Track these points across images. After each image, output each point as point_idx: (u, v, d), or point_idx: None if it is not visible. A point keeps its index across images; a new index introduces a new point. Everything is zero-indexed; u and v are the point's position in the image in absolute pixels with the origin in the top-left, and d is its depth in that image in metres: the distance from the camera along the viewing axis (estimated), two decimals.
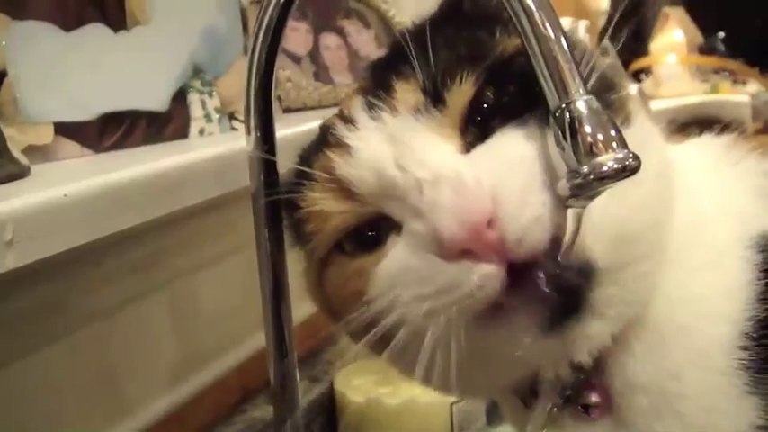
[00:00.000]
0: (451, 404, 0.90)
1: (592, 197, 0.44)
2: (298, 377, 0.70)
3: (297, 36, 1.05)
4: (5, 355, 0.65)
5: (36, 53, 0.71)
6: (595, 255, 0.48)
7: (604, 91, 0.52)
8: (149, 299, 0.79)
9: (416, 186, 0.48)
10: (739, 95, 2.74)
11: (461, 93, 0.50)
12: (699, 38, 3.32)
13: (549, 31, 0.45)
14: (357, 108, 0.53)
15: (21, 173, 0.66)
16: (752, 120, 2.50)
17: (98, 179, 0.66)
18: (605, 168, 0.42)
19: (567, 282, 0.47)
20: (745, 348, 0.51)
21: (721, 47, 3.24)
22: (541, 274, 0.46)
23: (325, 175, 0.53)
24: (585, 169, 0.43)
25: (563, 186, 0.44)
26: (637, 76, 3.18)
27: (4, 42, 0.69)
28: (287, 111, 1.00)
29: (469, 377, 0.53)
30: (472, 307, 0.47)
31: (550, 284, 0.47)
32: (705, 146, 0.62)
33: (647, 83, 3.12)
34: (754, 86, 3.02)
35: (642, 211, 0.52)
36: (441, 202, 0.46)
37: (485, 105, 0.50)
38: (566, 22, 2.56)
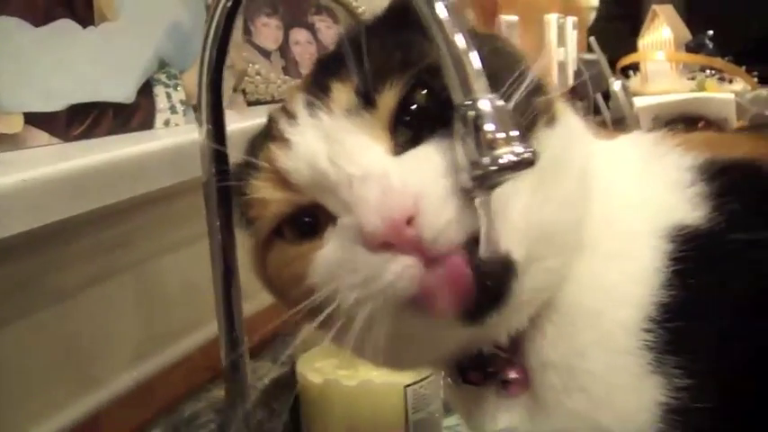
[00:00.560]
0: (405, 386, 0.94)
1: (493, 187, 0.48)
2: (248, 360, 0.74)
3: (267, 31, 1.09)
4: None
5: (7, 48, 0.75)
6: (516, 250, 0.52)
7: (532, 94, 0.55)
8: (116, 279, 0.82)
9: (346, 181, 0.52)
10: (724, 93, 2.77)
11: (390, 95, 0.54)
12: (687, 35, 3.35)
13: (456, 36, 0.48)
14: (298, 104, 0.57)
15: None
16: (737, 117, 2.53)
17: (63, 165, 0.70)
18: (503, 160, 0.46)
19: (487, 275, 0.51)
20: (649, 331, 0.54)
21: (709, 45, 3.28)
22: (461, 268, 0.50)
23: (267, 165, 0.57)
24: (485, 161, 0.46)
25: (465, 177, 0.48)
26: (625, 73, 3.22)
27: None
28: (253, 103, 1.04)
29: (398, 356, 0.59)
30: (395, 296, 0.51)
31: (471, 277, 0.50)
32: (634, 141, 0.65)
33: (635, 79, 3.16)
34: (740, 85, 3.05)
35: (564, 210, 0.57)
36: (367, 197, 0.50)
37: (414, 108, 0.54)
38: (553, 18, 2.59)
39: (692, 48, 3.21)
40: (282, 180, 0.56)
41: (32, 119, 0.77)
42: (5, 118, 0.75)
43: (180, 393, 0.91)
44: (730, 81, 3.12)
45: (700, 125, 2.50)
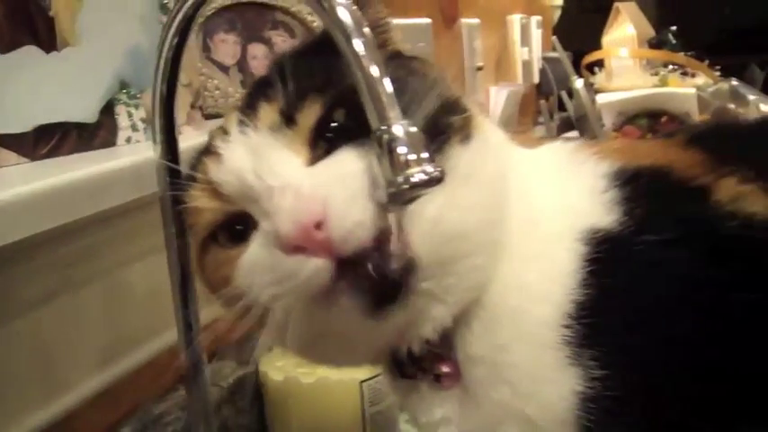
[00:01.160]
0: (360, 382, 1.00)
1: (407, 202, 0.54)
2: (206, 360, 0.80)
3: (225, 47, 1.15)
4: None
5: None
6: (420, 251, 0.58)
7: (448, 113, 0.62)
8: (82, 289, 0.86)
9: (268, 192, 0.57)
10: (686, 88, 2.82)
11: (310, 114, 0.60)
12: (650, 32, 3.42)
13: (371, 68, 0.54)
14: (232, 122, 0.63)
15: None
16: (699, 111, 2.59)
17: (31, 185, 0.75)
18: (414, 179, 0.52)
19: (389, 274, 0.57)
20: (567, 326, 0.59)
21: (673, 41, 3.34)
22: (366, 268, 0.56)
23: (203, 177, 0.63)
24: (399, 180, 0.52)
25: (381, 194, 0.54)
26: (590, 69, 3.28)
27: None
28: (212, 117, 1.09)
29: (324, 351, 0.66)
30: (306, 293, 0.56)
31: (375, 276, 0.56)
32: (554, 150, 0.70)
33: (600, 75, 3.22)
34: (702, 79, 3.12)
35: (473, 213, 0.62)
36: (282, 206, 0.56)
37: (333, 125, 0.60)
38: (516, 19, 2.65)
39: (655, 44, 3.28)
40: (216, 191, 0.62)
41: (1, 140, 0.82)
42: None
43: (147, 394, 0.95)
44: (693, 76, 3.18)
45: (663, 120, 2.57)
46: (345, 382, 1.00)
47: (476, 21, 2.19)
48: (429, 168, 0.52)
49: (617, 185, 0.63)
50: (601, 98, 2.89)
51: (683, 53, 3.22)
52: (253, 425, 1.05)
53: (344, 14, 0.55)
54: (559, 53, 2.68)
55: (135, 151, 0.90)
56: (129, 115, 0.94)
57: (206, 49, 1.12)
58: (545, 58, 2.94)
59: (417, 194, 0.53)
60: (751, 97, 2.30)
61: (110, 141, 0.93)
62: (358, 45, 0.54)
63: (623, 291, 0.59)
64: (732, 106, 2.32)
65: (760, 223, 0.59)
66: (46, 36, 0.86)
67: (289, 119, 0.60)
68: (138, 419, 0.93)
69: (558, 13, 3.40)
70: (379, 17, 0.67)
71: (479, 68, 2.19)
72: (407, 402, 0.69)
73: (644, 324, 0.59)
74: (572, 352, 0.59)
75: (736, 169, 0.62)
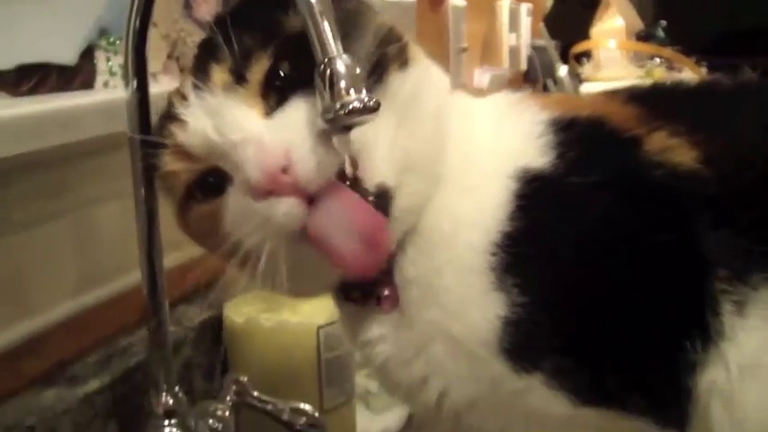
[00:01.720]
0: (318, 327, 1.04)
1: (346, 129, 0.59)
2: (167, 307, 0.84)
3: (206, 6, 1.19)
4: None
5: None
6: (389, 177, 0.63)
7: (387, 43, 0.67)
8: (56, 221, 0.91)
9: (232, 147, 0.62)
10: None
11: (258, 69, 0.64)
12: (639, 25, 3.47)
13: (316, 5, 0.58)
14: (188, 86, 0.67)
15: None
16: None
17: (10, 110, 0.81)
18: (351, 106, 0.56)
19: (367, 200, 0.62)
20: (494, 254, 0.64)
21: (661, 34, 3.39)
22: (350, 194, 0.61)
23: (171, 142, 0.67)
24: (337, 106, 0.57)
25: (320, 122, 0.58)
26: (578, 59, 3.32)
27: None
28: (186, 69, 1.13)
29: (300, 283, 0.69)
30: (285, 231, 0.62)
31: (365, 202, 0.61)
32: (498, 98, 0.75)
33: (588, 66, 3.27)
34: (688, 74, 3.16)
35: (424, 143, 0.67)
36: (247, 157, 0.61)
37: (280, 75, 0.64)
38: (505, 4, 2.67)
39: (644, 37, 3.33)
40: (184, 153, 0.67)
41: None
42: None
43: (114, 328, 1.00)
44: (679, 70, 3.22)
45: None
46: (304, 325, 1.04)
47: (462, 3, 2.23)
48: (365, 98, 0.57)
49: (553, 131, 0.68)
50: (585, 87, 2.95)
51: (670, 48, 3.26)
52: (214, 364, 1.09)
53: None
54: (545, 41, 2.74)
55: (111, 94, 0.94)
56: (108, 60, 0.99)
57: (187, 6, 1.17)
58: (533, 46, 2.99)
59: (355, 121, 0.58)
60: None
61: (88, 84, 0.97)
62: None
63: (547, 226, 0.65)
64: None
65: (683, 173, 0.64)
66: None
67: (239, 77, 0.64)
68: (104, 349, 0.98)
69: (549, 2, 3.44)
70: None
71: (464, 50, 2.23)
72: (350, 325, 0.74)
73: (563, 257, 0.64)
74: (497, 278, 0.64)
75: (668, 124, 0.66)
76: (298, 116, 0.62)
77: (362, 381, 1.17)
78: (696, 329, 0.62)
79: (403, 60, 0.68)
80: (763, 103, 0.72)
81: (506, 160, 0.67)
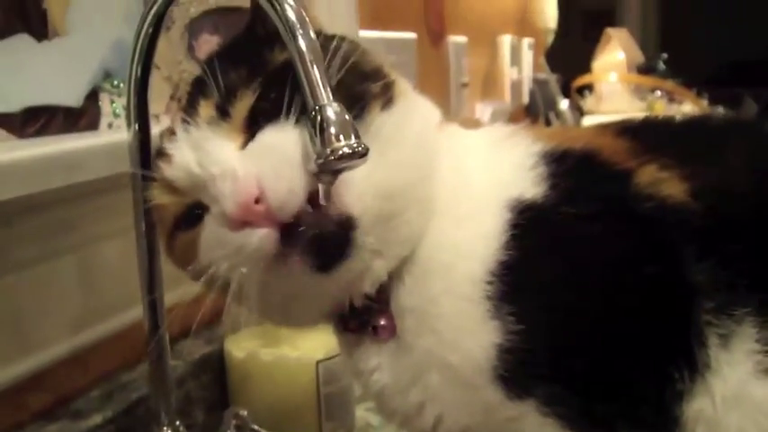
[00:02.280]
0: (317, 362, 1.06)
1: (337, 173, 0.61)
2: (168, 341, 0.87)
3: (208, 48, 1.22)
4: None
5: None
6: (356, 209, 0.65)
7: (371, 80, 0.69)
8: (60, 258, 0.93)
9: (212, 180, 0.64)
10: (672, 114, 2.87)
11: (242, 105, 0.67)
12: (640, 58, 3.50)
13: (308, 54, 0.61)
14: (177, 122, 0.70)
15: None
16: None
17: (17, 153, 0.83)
18: (340, 152, 0.59)
19: (330, 232, 0.64)
20: (489, 283, 0.65)
21: (662, 67, 3.42)
22: (307, 229, 0.63)
23: (159, 177, 0.70)
24: (327, 152, 0.59)
25: (312, 166, 0.61)
26: (580, 92, 3.36)
27: None
28: None
29: (288, 313, 0.71)
30: (258, 260, 0.64)
31: (317, 236, 0.63)
32: (491, 130, 0.77)
33: (590, 99, 3.31)
34: (689, 106, 3.19)
35: (401, 172, 0.68)
36: (224, 189, 0.63)
37: (264, 110, 0.66)
38: (506, 39, 2.72)
39: (644, 70, 3.36)
40: (171, 187, 0.69)
41: None
42: None
43: (116, 364, 1.02)
44: (680, 103, 3.25)
45: None
46: (303, 360, 1.06)
47: (463, 39, 2.27)
48: (354, 144, 0.60)
49: (546, 163, 0.69)
50: (587, 120, 2.98)
51: (671, 80, 3.29)
52: (215, 398, 1.11)
53: (291, 14, 0.64)
54: (547, 74, 2.77)
55: (115, 136, 0.97)
56: (112, 102, 1.02)
57: (191, 48, 1.20)
58: (535, 80, 3.02)
59: (344, 166, 0.60)
60: None
61: (93, 125, 1.00)
62: (301, 43, 0.63)
63: (540, 255, 0.66)
64: None
65: (672, 206, 0.65)
66: (38, 26, 0.94)
67: (223, 112, 0.67)
68: (106, 384, 0.99)
69: (551, 37, 3.47)
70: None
71: (465, 85, 2.26)
72: (349, 354, 0.75)
73: (556, 286, 0.65)
74: (493, 306, 0.65)
75: (658, 157, 0.68)
76: (268, 143, 0.65)
77: (363, 414, 1.18)
78: (684, 360, 0.63)
79: (388, 98, 0.69)
80: (750, 139, 0.73)
81: (500, 190, 0.69)
